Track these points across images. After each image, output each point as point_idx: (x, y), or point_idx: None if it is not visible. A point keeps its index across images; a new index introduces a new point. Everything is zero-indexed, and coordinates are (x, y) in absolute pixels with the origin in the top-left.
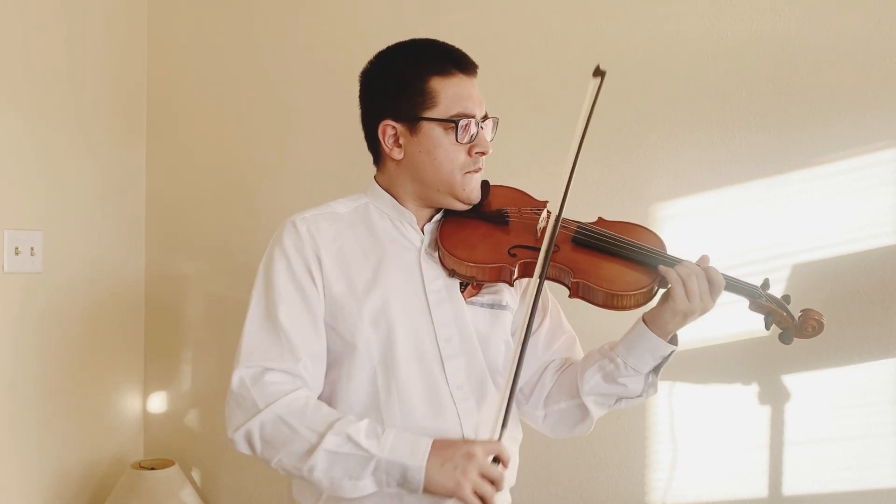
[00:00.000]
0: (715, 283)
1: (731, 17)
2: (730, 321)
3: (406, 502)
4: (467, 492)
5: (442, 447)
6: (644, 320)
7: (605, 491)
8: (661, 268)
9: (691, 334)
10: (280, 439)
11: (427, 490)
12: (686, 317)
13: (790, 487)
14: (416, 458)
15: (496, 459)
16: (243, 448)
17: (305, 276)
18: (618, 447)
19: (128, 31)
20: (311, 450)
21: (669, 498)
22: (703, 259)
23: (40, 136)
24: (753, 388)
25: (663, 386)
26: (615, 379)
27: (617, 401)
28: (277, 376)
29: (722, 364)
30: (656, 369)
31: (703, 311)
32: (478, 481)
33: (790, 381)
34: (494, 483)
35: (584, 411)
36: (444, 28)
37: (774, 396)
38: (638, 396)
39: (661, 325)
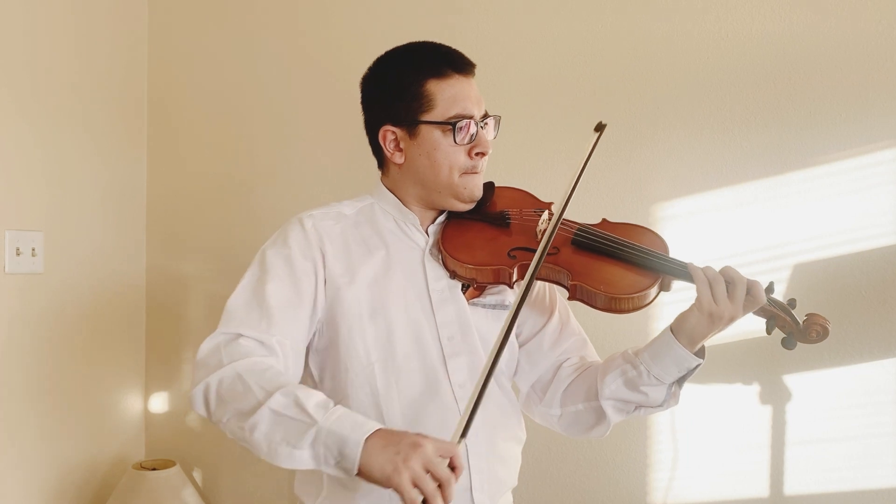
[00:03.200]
0: (755, 297)
1: (731, 18)
2: None
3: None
4: (405, 479)
5: (390, 433)
6: (671, 329)
7: (606, 491)
8: (692, 266)
9: None
10: (233, 395)
11: (362, 472)
12: (713, 322)
13: (791, 487)
14: (357, 433)
15: (450, 465)
16: (199, 406)
17: (302, 267)
18: (619, 447)
19: (128, 33)
20: (257, 407)
21: (670, 498)
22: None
23: (41, 137)
24: (754, 388)
25: None
26: (637, 387)
27: (636, 408)
28: (250, 342)
29: (723, 364)
30: (680, 381)
31: (732, 318)
32: (420, 474)
33: (791, 381)
34: (441, 485)
35: (601, 415)
36: (445, 29)
37: (775, 396)
38: (658, 406)
39: (689, 331)
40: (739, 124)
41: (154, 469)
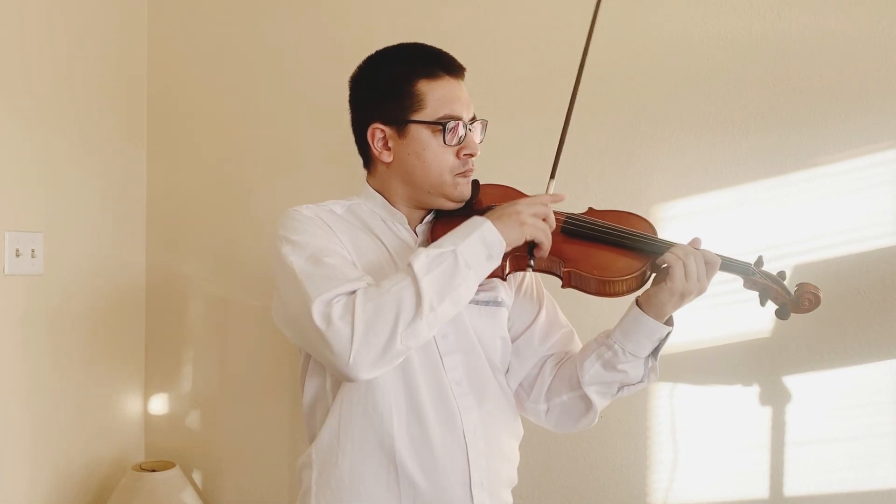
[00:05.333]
0: (711, 264)
1: (731, 18)
2: (731, 321)
3: (404, 501)
4: (530, 230)
5: (491, 213)
6: (638, 304)
7: (606, 491)
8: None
9: (692, 335)
10: (390, 316)
11: (507, 244)
12: (683, 297)
13: (791, 488)
14: (481, 225)
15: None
16: (367, 367)
17: (329, 231)
18: (619, 448)
19: (128, 32)
20: (418, 291)
21: (670, 498)
22: (696, 241)
23: (40, 138)
24: (754, 389)
25: (664, 387)
26: (615, 366)
27: (619, 389)
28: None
29: (723, 365)
30: (655, 353)
31: (700, 291)
32: (531, 220)
33: (791, 381)
34: (545, 218)
35: (587, 402)
36: (437, 30)
37: (775, 397)
38: (639, 382)
39: (658, 306)
40: (739, 124)
41: (154, 470)
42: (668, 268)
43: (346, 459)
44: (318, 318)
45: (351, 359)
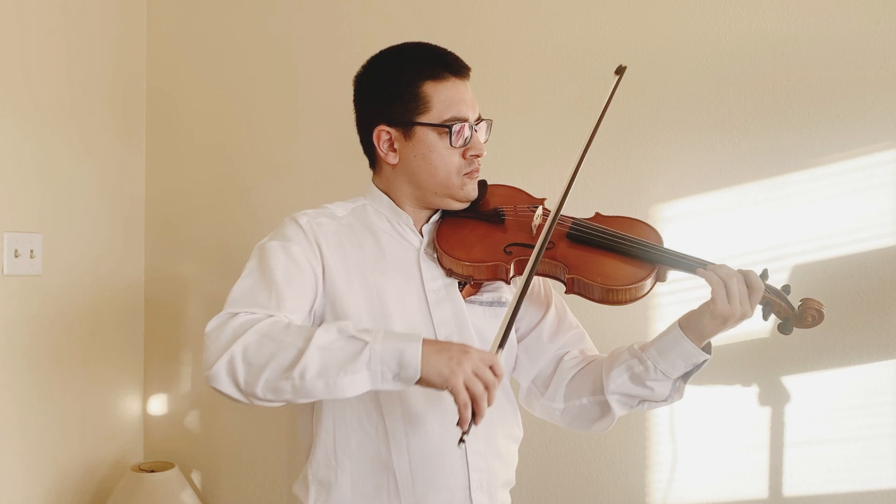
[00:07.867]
0: (754, 288)
1: (730, 18)
2: None
3: (395, 492)
4: (460, 382)
5: (436, 341)
6: (680, 325)
7: (606, 492)
8: (700, 270)
9: None
10: (266, 356)
11: (422, 378)
12: (725, 321)
13: (790, 488)
14: (412, 342)
15: (491, 370)
16: (224, 380)
17: (302, 256)
18: (618, 448)
19: (127, 31)
20: (300, 353)
21: (669, 499)
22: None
23: (39, 139)
24: (753, 389)
25: None
26: (643, 381)
27: (639, 402)
28: (260, 315)
29: (722, 365)
30: (685, 375)
31: (743, 316)
32: (471, 376)
33: (790, 382)
34: (487, 387)
35: (606, 409)
36: (442, 29)
37: (774, 397)
38: (663, 401)
39: (698, 329)
40: (738, 125)
41: (153, 471)
42: (711, 290)
43: (345, 476)
44: (211, 324)
45: (209, 370)
